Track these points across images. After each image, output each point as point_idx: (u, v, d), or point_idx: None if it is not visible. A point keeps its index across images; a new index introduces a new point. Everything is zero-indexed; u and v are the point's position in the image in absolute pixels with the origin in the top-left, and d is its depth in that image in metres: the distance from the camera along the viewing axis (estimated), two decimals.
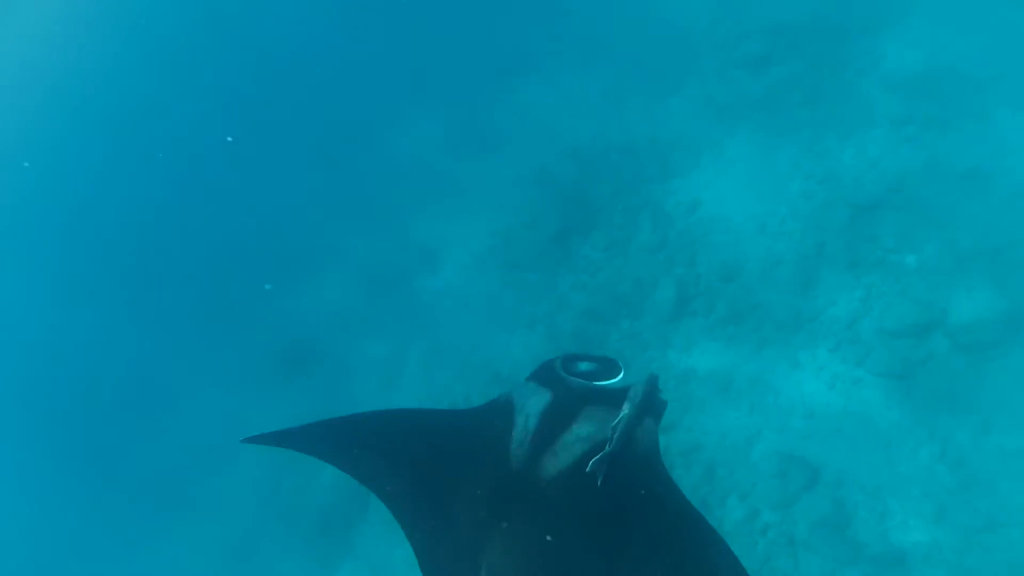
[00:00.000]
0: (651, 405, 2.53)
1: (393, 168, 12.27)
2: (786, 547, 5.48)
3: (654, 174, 8.99)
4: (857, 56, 8.67)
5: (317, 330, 10.74)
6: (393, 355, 9.55)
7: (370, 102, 14.30)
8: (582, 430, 2.46)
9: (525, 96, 12.11)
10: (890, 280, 6.43)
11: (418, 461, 2.72)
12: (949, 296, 5.98)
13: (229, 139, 15.27)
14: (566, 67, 12.22)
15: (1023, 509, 5.03)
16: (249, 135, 15.11)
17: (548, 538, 2.33)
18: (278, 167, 14.71)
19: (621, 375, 2.75)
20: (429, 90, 13.54)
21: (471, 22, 14.26)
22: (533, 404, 2.61)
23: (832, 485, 5.57)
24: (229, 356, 11.44)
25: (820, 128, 8.22)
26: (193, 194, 15.29)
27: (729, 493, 5.95)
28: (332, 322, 10.84)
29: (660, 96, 10.15)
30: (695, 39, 10.61)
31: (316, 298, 11.34)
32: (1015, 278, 5.88)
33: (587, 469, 2.31)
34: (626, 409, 2.44)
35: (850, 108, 8.16)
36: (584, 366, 2.85)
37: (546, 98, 11.79)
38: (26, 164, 19.47)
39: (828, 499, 5.49)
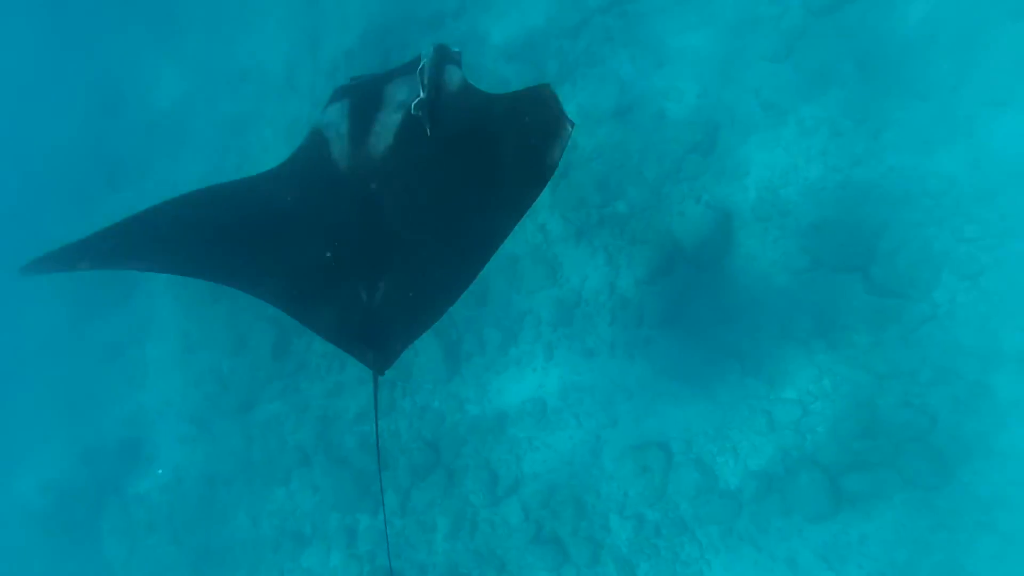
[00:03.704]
0: (446, 56, 2.66)
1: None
2: (683, 534, 5.29)
3: None
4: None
5: None
6: None
7: None
8: (393, 101, 2.52)
9: None
10: None
11: (248, 225, 2.58)
12: None
13: None
14: None
15: None
16: None
17: (406, 202, 2.39)
18: None
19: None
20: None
21: None
22: (336, 113, 2.60)
23: (684, 451, 5.51)
24: None
25: None
26: None
27: (608, 515, 5.55)
28: None
29: None
30: None
31: None
32: None
33: (412, 111, 2.39)
34: (424, 59, 2.53)
35: None
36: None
37: None
38: None
39: (690, 466, 5.41)
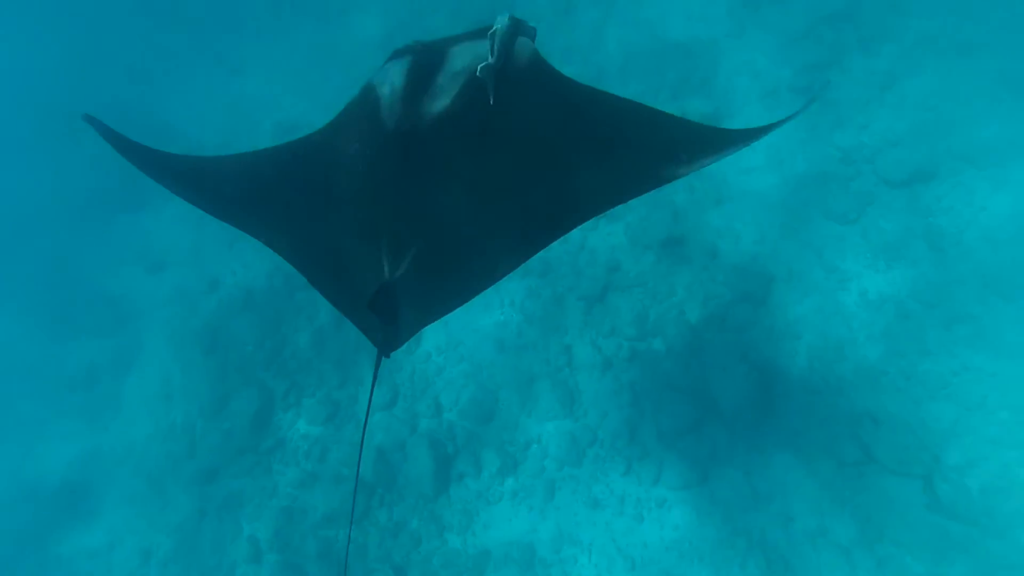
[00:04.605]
0: (520, 28, 2.41)
1: None
2: None
3: None
4: None
5: None
6: None
7: None
8: (455, 66, 2.31)
9: None
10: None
11: (283, 181, 2.49)
12: None
13: None
14: None
15: None
16: None
17: (450, 174, 2.23)
18: None
19: None
20: None
21: None
22: (395, 70, 2.38)
23: None
24: None
25: None
26: None
27: None
28: None
29: None
30: None
31: None
32: None
33: (477, 74, 2.22)
34: (498, 24, 2.31)
35: None
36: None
37: None
38: None
39: None
